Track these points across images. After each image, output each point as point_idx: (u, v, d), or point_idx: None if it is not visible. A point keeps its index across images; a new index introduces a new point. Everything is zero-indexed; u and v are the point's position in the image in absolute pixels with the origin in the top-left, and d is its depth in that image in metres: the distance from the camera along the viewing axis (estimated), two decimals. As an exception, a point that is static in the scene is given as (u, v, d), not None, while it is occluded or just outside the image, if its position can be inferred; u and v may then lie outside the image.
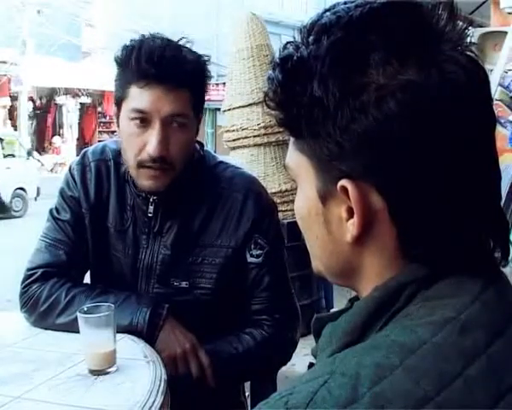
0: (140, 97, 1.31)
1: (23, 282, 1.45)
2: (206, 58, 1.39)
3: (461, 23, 0.56)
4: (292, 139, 0.62)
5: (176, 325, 1.35)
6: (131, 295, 1.38)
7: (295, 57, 0.57)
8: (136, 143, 1.32)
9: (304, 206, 0.62)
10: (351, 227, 0.57)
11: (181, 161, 1.35)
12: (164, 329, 1.34)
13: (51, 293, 1.39)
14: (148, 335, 1.32)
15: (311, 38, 0.57)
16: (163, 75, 1.29)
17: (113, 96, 1.42)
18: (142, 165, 1.33)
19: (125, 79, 1.33)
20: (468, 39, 0.56)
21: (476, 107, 0.55)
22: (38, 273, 1.43)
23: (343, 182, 0.55)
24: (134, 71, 1.30)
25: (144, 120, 1.31)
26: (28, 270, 1.46)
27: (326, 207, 0.59)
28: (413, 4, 0.56)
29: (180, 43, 1.36)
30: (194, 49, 1.37)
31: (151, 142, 1.30)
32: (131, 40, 1.34)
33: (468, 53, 0.56)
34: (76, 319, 1.20)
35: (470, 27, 0.57)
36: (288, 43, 0.60)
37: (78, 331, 1.20)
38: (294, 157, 0.61)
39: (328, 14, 0.57)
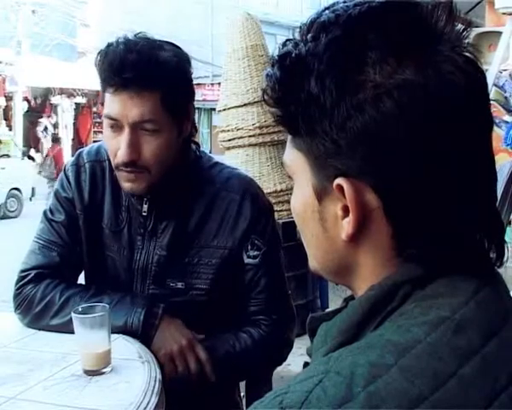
0: (110, 104, 1.31)
1: (17, 283, 1.44)
2: (185, 55, 1.36)
3: (460, 24, 0.57)
4: (289, 136, 0.62)
5: (172, 322, 1.35)
6: (126, 295, 1.37)
7: (293, 55, 0.57)
8: (112, 147, 1.34)
9: (300, 203, 0.62)
10: (346, 225, 0.56)
11: (157, 166, 1.33)
12: (160, 328, 1.33)
13: (45, 294, 1.39)
14: (143, 335, 1.32)
15: (310, 35, 0.57)
16: (125, 81, 1.27)
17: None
18: (118, 168, 1.34)
19: (101, 85, 1.34)
20: (467, 40, 0.56)
21: (473, 108, 0.55)
22: (32, 275, 1.43)
23: (339, 180, 0.55)
24: (103, 78, 1.32)
25: (116, 125, 1.32)
26: (22, 271, 1.45)
27: (322, 205, 0.59)
28: (412, 4, 0.56)
29: (157, 42, 1.33)
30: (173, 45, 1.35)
31: (121, 147, 1.31)
32: (107, 44, 1.33)
33: (467, 54, 0.56)
34: (71, 320, 1.20)
35: (469, 28, 0.57)
36: (287, 40, 0.60)
37: (72, 332, 1.20)
38: (291, 154, 0.61)
39: (327, 12, 0.58)
